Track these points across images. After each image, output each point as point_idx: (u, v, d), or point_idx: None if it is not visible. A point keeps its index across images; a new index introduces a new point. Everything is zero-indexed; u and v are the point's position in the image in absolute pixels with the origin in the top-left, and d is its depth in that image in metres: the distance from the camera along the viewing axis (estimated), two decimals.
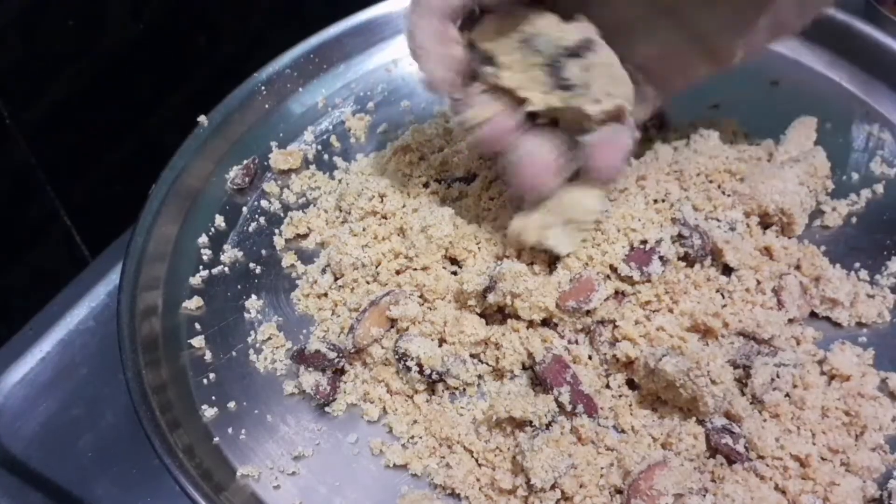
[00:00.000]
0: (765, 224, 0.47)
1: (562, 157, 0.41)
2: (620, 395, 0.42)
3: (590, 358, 0.43)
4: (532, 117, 0.42)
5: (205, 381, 0.46)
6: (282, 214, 0.53)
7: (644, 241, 0.43)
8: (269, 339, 0.47)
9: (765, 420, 0.40)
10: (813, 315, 0.44)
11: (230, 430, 0.44)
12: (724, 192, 0.47)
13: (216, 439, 0.44)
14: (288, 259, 0.51)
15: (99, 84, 0.63)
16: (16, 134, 0.58)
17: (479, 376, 0.44)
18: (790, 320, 0.43)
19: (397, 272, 0.47)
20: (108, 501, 0.48)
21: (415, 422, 0.43)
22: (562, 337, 0.43)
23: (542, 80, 0.40)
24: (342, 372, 0.45)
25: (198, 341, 0.47)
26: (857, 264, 0.45)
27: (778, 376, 0.40)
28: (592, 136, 0.40)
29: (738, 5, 0.41)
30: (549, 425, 0.40)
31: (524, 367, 0.43)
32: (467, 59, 0.41)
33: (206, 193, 0.55)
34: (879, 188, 0.48)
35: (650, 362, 0.40)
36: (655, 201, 0.46)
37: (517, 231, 0.44)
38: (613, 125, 0.40)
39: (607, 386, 0.42)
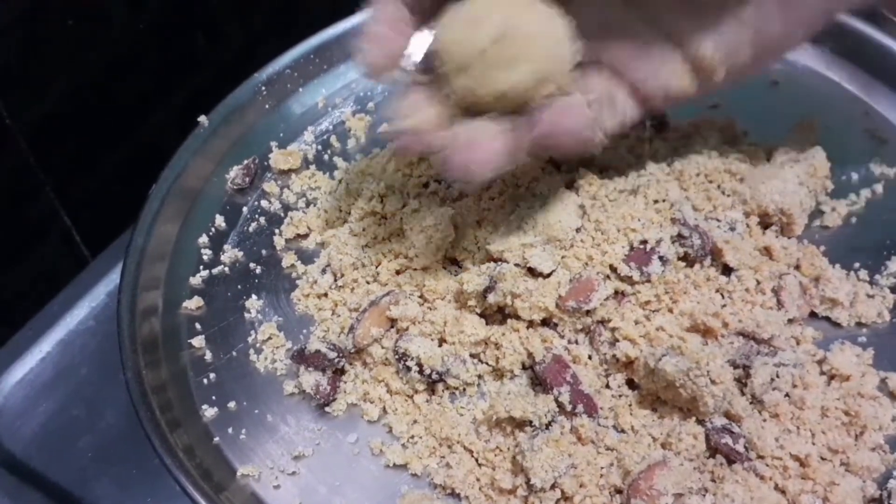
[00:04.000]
0: (765, 224, 0.47)
1: (506, 137, 0.38)
2: (620, 395, 0.42)
3: (590, 358, 0.43)
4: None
5: (205, 381, 0.46)
6: (282, 214, 0.54)
7: (644, 241, 0.43)
8: (270, 339, 0.47)
9: (764, 420, 0.40)
10: (813, 315, 0.44)
11: (230, 430, 0.44)
12: (724, 192, 0.47)
13: (216, 439, 0.44)
14: (288, 259, 0.51)
15: (99, 84, 0.63)
16: (16, 134, 0.58)
17: (479, 376, 0.44)
18: (790, 320, 0.43)
19: (397, 272, 0.47)
20: (107, 501, 0.48)
21: (415, 422, 0.43)
22: (562, 337, 0.43)
23: None
24: (342, 372, 0.45)
25: (198, 341, 0.47)
26: (857, 264, 0.45)
27: (778, 376, 0.40)
28: (540, 109, 0.38)
29: (718, 8, 0.39)
30: (549, 425, 0.40)
31: (524, 367, 0.43)
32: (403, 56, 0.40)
33: (206, 193, 0.55)
34: (879, 188, 0.48)
35: (650, 362, 0.40)
36: (655, 201, 0.46)
37: (497, 253, 0.44)
38: (561, 98, 0.38)
39: (607, 386, 0.42)
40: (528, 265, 0.43)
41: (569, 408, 0.40)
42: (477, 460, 0.41)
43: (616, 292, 0.43)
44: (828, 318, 0.44)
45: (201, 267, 0.51)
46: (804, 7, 0.40)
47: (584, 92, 0.39)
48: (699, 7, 0.40)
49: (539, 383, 0.42)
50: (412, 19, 0.40)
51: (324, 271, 0.49)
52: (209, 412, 0.45)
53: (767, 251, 0.45)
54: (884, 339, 0.43)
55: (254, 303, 0.49)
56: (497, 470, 0.40)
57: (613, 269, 0.43)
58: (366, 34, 0.39)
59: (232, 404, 0.45)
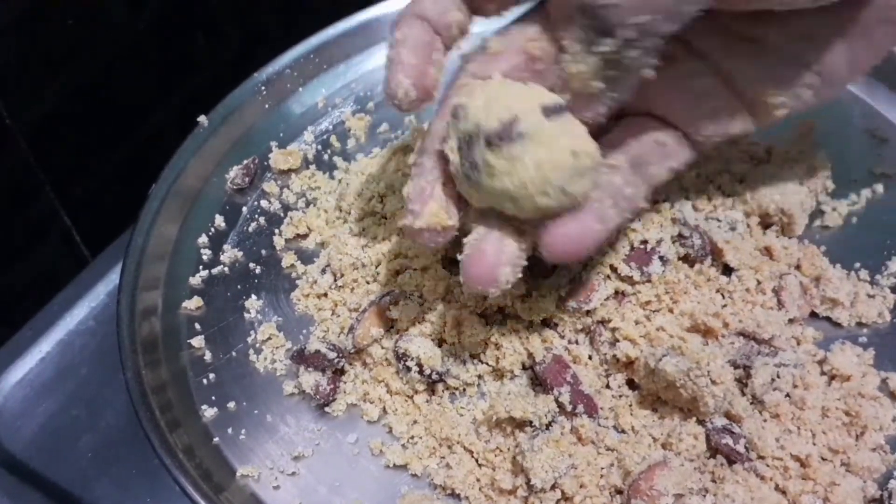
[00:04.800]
0: (765, 224, 0.46)
1: (512, 249, 0.36)
2: (620, 396, 0.42)
3: (590, 358, 0.43)
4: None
5: (204, 381, 0.46)
6: (282, 214, 0.53)
7: (644, 242, 0.43)
8: (269, 339, 0.47)
9: (765, 420, 0.40)
10: (813, 315, 0.44)
11: (230, 431, 0.44)
12: (724, 193, 0.47)
13: (216, 439, 0.44)
14: (288, 259, 0.51)
15: (99, 84, 0.63)
16: (16, 134, 0.58)
17: (479, 376, 0.44)
18: (790, 320, 0.43)
19: (397, 272, 0.47)
20: (107, 501, 0.48)
21: (415, 422, 0.43)
22: (562, 337, 0.43)
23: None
24: (342, 372, 0.45)
25: (197, 341, 0.47)
26: (858, 264, 0.45)
27: (778, 376, 0.40)
28: (544, 227, 0.35)
29: (781, 56, 0.37)
30: (549, 425, 0.40)
31: (524, 367, 0.43)
32: (438, 86, 0.37)
33: (205, 193, 0.55)
34: (879, 188, 0.48)
35: (650, 362, 0.40)
36: (655, 201, 0.46)
37: None
38: (570, 213, 0.35)
39: (607, 386, 0.42)
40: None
41: (569, 408, 0.40)
42: (477, 461, 0.41)
43: (616, 292, 0.43)
44: (828, 319, 0.44)
45: (201, 267, 0.51)
46: (871, 45, 0.37)
47: (625, 151, 0.38)
48: (761, 52, 0.38)
49: (539, 383, 0.42)
50: (442, 45, 0.37)
51: (324, 271, 0.49)
52: (209, 412, 0.45)
53: (768, 251, 0.45)
54: (884, 340, 0.43)
55: (253, 303, 0.49)
56: (497, 470, 0.40)
57: (614, 269, 0.43)
58: (393, 63, 0.36)
59: (231, 404, 0.45)
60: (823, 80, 0.38)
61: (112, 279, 0.57)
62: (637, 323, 0.42)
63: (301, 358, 0.44)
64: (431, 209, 0.36)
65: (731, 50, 0.37)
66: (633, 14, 0.30)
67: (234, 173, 0.55)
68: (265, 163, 0.56)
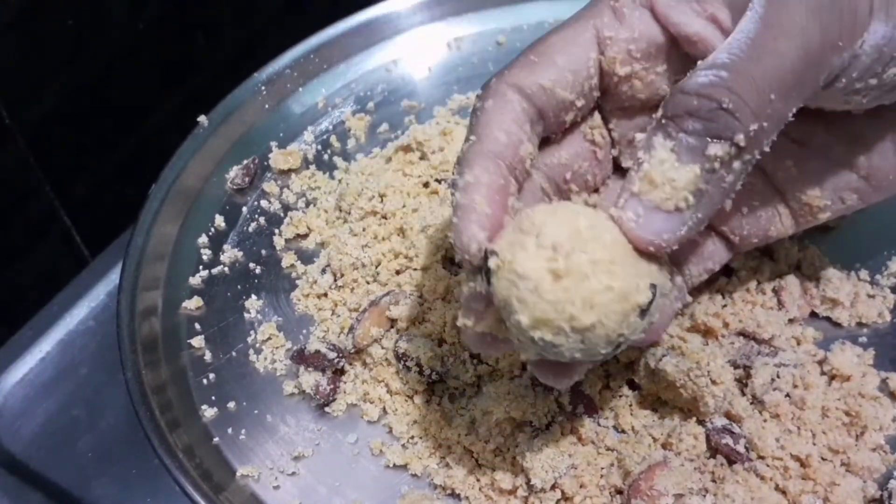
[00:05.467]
0: None
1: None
2: (620, 396, 0.42)
3: None
4: None
5: (204, 381, 0.46)
6: (282, 214, 0.53)
7: None
8: (269, 339, 0.47)
9: (765, 420, 0.40)
10: (813, 315, 0.44)
11: (230, 431, 0.44)
12: None
13: (216, 439, 0.44)
14: (288, 259, 0.51)
15: (99, 84, 0.63)
16: (16, 134, 0.58)
17: (479, 376, 0.43)
18: (790, 320, 0.43)
19: (397, 272, 0.47)
20: (107, 501, 0.48)
21: (415, 422, 0.43)
22: None
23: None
24: (342, 372, 0.45)
25: (197, 341, 0.47)
26: (858, 264, 0.45)
27: (778, 376, 0.40)
28: None
29: (827, 157, 0.36)
30: (548, 425, 0.40)
31: (524, 368, 0.43)
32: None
33: (206, 193, 0.55)
34: None
35: (650, 362, 0.40)
36: None
37: None
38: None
39: (607, 386, 0.42)
40: None
41: (569, 408, 0.40)
42: (477, 461, 0.41)
43: None
44: (828, 319, 0.44)
45: (201, 267, 0.51)
46: None
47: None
48: (807, 152, 0.37)
49: (539, 383, 0.42)
50: (516, 188, 0.33)
51: (324, 271, 0.49)
52: (209, 412, 0.45)
53: (768, 251, 0.45)
54: (884, 340, 0.43)
55: (253, 303, 0.49)
56: (497, 470, 0.40)
57: None
58: (466, 211, 0.31)
59: (231, 404, 0.45)
60: (870, 184, 0.37)
61: (112, 279, 0.57)
62: None
63: (301, 358, 0.44)
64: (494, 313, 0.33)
65: (776, 150, 0.34)
66: (755, 120, 0.28)
67: (235, 173, 0.55)
68: (265, 163, 0.56)
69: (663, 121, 0.30)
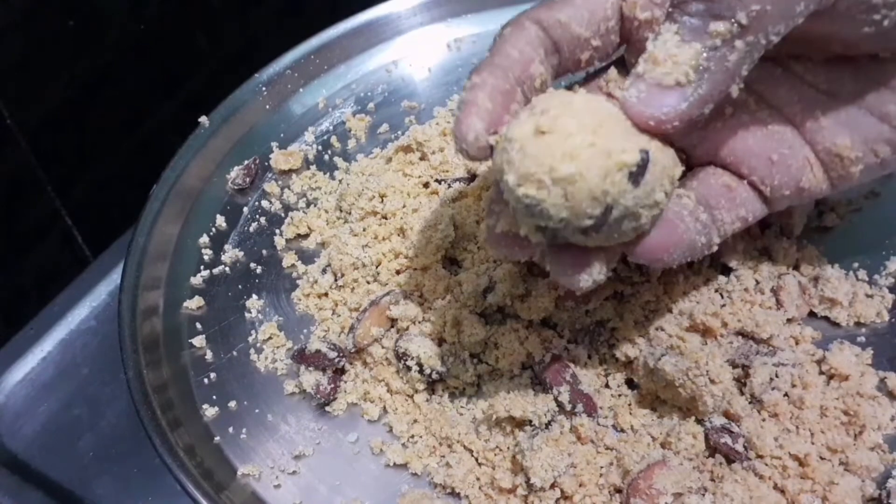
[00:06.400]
0: (764, 224, 0.47)
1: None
2: (620, 395, 0.42)
3: (589, 357, 0.43)
4: None
5: (206, 380, 0.46)
6: (282, 214, 0.54)
7: None
8: (270, 338, 0.47)
9: (764, 419, 0.40)
10: (812, 315, 0.44)
11: (231, 430, 0.44)
12: None
13: (217, 439, 0.44)
14: (288, 259, 0.51)
15: (99, 84, 0.63)
16: (16, 134, 0.58)
17: (479, 376, 0.44)
18: (789, 320, 0.43)
19: (397, 272, 0.47)
20: (108, 501, 0.48)
21: (415, 421, 0.43)
22: (561, 336, 0.43)
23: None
24: (342, 371, 0.45)
25: (199, 341, 0.48)
26: (856, 264, 0.45)
27: (777, 376, 0.40)
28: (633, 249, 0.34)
29: (856, 106, 0.35)
30: (548, 425, 0.40)
31: (524, 367, 0.43)
32: None
33: (207, 193, 0.55)
34: (878, 188, 0.48)
35: (649, 362, 0.40)
36: None
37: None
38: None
39: (606, 385, 0.42)
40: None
41: (568, 407, 0.40)
42: (477, 460, 0.41)
43: (616, 292, 0.43)
44: (827, 318, 0.44)
45: (202, 267, 0.51)
46: None
47: (692, 189, 0.36)
48: (835, 102, 0.36)
49: (539, 383, 0.42)
50: (522, 97, 0.34)
51: (324, 271, 0.49)
52: (210, 412, 0.45)
53: (766, 251, 0.45)
54: (883, 339, 0.43)
55: (254, 302, 0.49)
56: (497, 469, 0.40)
57: (613, 269, 0.43)
58: (468, 105, 0.33)
59: (232, 404, 0.45)
60: None
61: (113, 279, 0.57)
62: (636, 323, 0.43)
63: (302, 357, 0.44)
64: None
65: (804, 101, 0.35)
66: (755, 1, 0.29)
67: (235, 173, 0.56)
68: (266, 163, 0.56)
69: (670, 9, 0.31)
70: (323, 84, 0.60)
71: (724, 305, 0.43)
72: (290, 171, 0.56)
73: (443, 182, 0.51)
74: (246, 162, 0.56)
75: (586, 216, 0.30)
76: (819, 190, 0.38)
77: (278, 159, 0.56)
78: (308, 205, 0.54)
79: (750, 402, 0.40)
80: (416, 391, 0.44)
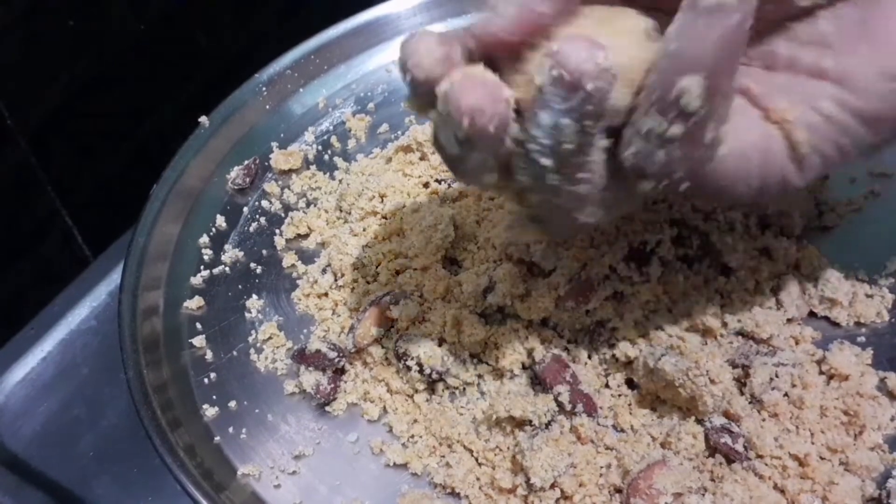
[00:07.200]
0: (764, 224, 0.47)
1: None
2: (620, 395, 0.42)
3: (589, 358, 0.43)
4: None
5: (206, 380, 0.46)
6: (282, 214, 0.54)
7: (643, 242, 0.43)
8: (270, 338, 0.47)
9: (764, 419, 0.40)
10: (812, 315, 0.44)
11: (231, 430, 0.44)
12: None
13: (217, 438, 0.44)
14: (288, 259, 0.51)
15: (99, 84, 0.63)
16: (16, 134, 0.58)
17: (479, 376, 0.44)
18: (789, 320, 0.43)
19: (397, 272, 0.47)
20: (108, 501, 0.48)
21: (415, 421, 0.43)
22: (561, 337, 0.43)
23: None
24: (342, 371, 0.45)
25: (199, 341, 0.48)
26: (856, 264, 0.45)
27: (777, 376, 0.40)
28: None
29: (792, 67, 0.34)
30: (548, 425, 0.40)
31: (524, 367, 0.43)
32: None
33: (207, 193, 0.55)
34: (878, 188, 0.48)
35: (649, 362, 0.40)
36: (655, 202, 0.46)
37: (502, 247, 0.44)
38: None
39: (606, 385, 0.42)
40: (531, 259, 0.43)
41: (568, 407, 0.40)
42: (477, 460, 0.41)
43: (616, 292, 0.43)
44: (827, 318, 0.44)
45: (202, 267, 0.51)
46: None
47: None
48: (773, 67, 0.35)
49: (539, 383, 0.42)
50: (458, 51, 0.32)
51: (324, 271, 0.49)
52: (210, 411, 0.45)
53: (766, 251, 0.45)
54: (883, 339, 0.43)
55: (254, 302, 0.49)
56: (497, 469, 0.40)
57: (613, 269, 0.43)
58: (410, 51, 0.31)
59: (232, 404, 0.45)
60: (846, 87, 0.34)
61: (113, 279, 0.57)
62: (636, 323, 0.43)
63: (302, 357, 0.44)
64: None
65: (751, 76, 0.34)
66: None
67: (235, 173, 0.56)
68: (266, 163, 0.56)
69: None
70: (323, 84, 0.60)
71: (724, 305, 0.43)
72: (290, 171, 0.56)
73: (443, 182, 0.51)
74: (246, 162, 0.56)
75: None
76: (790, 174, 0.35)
77: (278, 159, 0.56)
78: (308, 205, 0.54)
79: (750, 402, 0.40)
80: (416, 391, 0.44)
